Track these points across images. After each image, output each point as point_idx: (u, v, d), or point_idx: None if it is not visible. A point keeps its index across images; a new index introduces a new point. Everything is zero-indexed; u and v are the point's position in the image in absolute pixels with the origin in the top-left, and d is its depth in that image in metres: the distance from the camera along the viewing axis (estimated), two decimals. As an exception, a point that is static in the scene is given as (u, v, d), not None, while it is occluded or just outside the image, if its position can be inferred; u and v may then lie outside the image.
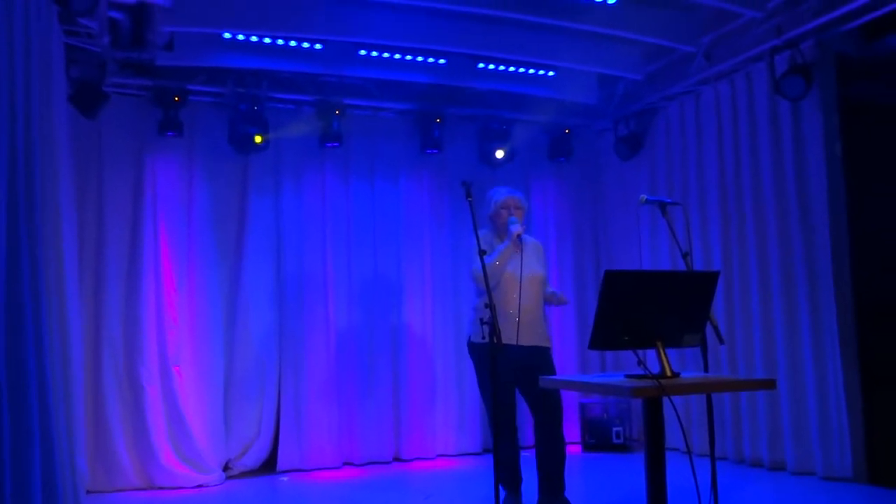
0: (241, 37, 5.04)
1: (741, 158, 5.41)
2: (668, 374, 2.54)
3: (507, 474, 4.18)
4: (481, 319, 3.45)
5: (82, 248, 5.05)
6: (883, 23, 4.58)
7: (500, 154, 6.15)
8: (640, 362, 2.51)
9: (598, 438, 6.06)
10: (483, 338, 3.56)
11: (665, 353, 2.58)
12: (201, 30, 4.90)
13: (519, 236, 4.10)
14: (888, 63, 4.85)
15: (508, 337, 3.80)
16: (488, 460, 3.67)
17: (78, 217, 4.98)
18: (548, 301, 4.30)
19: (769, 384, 2.71)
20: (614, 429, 6.02)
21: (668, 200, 3.55)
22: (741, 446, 5.34)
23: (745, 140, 5.36)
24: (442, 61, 5.56)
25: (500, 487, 3.98)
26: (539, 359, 4.14)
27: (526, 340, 4.06)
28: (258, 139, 5.41)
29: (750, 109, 5.34)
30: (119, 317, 5.18)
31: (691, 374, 2.84)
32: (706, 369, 3.40)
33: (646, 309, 2.56)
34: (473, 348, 4.22)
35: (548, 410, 4.14)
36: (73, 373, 4.19)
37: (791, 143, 5.01)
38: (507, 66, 5.73)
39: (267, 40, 5.12)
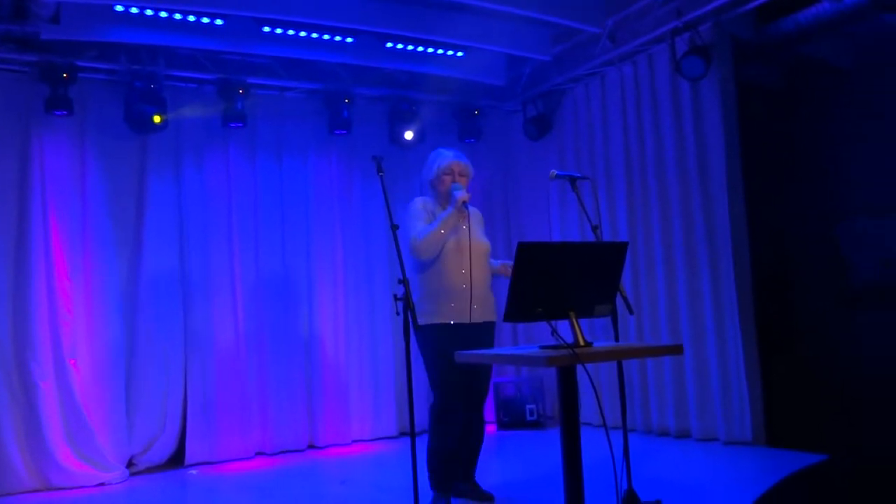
0: (134, 10, 4.75)
1: (645, 137, 5.55)
2: (582, 343, 2.57)
3: (443, 469, 3.74)
4: (412, 297, 3.17)
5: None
6: (775, 7, 4.79)
7: (409, 135, 6.09)
8: (553, 332, 2.53)
9: (512, 417, 6.13)
10: (436, 318, 3.37)
11: (578, 323, 2.60)
12: (90, 1, 4.60)
13: (465, 203, 3.73)
14: (779, 45, 5.08)
15: (461, 315, 3.55)
16: (405, 443, 3.54)
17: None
18: (497, 273, 3.86)
19: (676, 349, 2.78)
20: (528, 406, 6.11)
21: (578, 175, 3.61)
22: (649, 417, 5.52)
23: (649, 119, 5.51)
24: (349, 40, 5.44)
25: (430, 481, 3.71)
26: (487, 334, 3.80)
27: (479, 317, 3.70)
28: (157, 119, 5.14)
29: (652, 90, 5.49)
30: (6, 308, 4.83)
31: (603, 344, 2.88)
32: (617, 338, 3.47)
33: (559, 280, 2.57)
34: (421, 331, 3.55)
35: (480, 392, 3.87)
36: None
37: (691, 122, 5.18)
38: (416, 46, 5.65)
39: (163, 14, 4.85)
